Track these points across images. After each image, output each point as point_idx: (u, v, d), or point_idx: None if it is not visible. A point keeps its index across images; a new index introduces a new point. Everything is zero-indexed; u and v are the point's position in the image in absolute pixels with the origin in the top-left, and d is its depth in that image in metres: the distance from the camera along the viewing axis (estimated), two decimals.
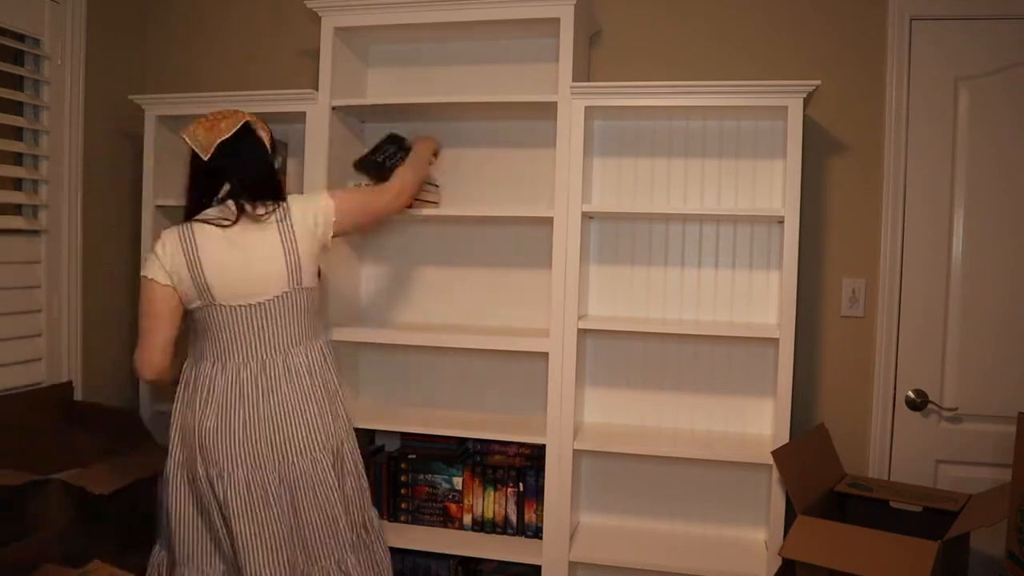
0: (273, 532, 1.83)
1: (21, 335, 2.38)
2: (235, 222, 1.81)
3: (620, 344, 2.49)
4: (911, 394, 2.37)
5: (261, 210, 1.84)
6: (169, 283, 1.82)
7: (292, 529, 1.86)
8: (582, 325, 2.27)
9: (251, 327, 1.84)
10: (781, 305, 2.18)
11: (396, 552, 2.46)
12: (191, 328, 1.91)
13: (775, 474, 2.13)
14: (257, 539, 1.82)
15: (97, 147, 2.66)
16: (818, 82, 2.11)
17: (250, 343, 1.84)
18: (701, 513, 2.45)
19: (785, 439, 2.15)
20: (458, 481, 2.46)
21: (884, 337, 2.37)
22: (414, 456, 2.49)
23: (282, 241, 1.84)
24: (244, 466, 1.81)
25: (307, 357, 1.91)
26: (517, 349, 2.30)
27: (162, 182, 2.60)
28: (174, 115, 2.55)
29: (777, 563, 1.99)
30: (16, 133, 2.43)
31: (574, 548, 2.29)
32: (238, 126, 1.86)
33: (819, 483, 2.11)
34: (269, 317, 1.85)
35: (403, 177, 2.13)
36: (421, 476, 2.48)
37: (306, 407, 1.88)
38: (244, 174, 1.86)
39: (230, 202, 1.85)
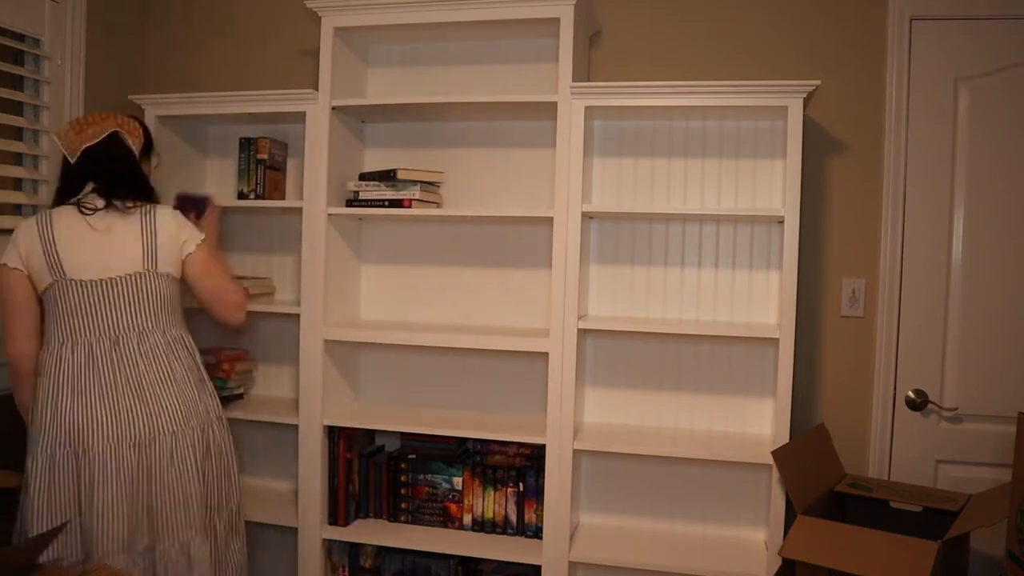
0: (120, 505, 1.86)
1: None
2: (99, 210, 1.91)
3: (620, 344, 2.49)
4: (911, 394, 2.37)
5: (123, 203, 1.92)
6: (22, 268, 1.90)
7: (142, 503, 1.89)
8: (582, 325, 2.27)
9: (103, 302, 1.90)
10: (781, 305, 2.18)
11: (396, 552, 2.46)
12: (44, 316, 1.96)
13: (775, 474, 2.13)
14: (105, 510, 1.85)
15: None
16: (818, 82, 2.11)
17: (103, 319, 1.90)
18: (701, 513, 2.45)
19: (785, 439, 2.15)
20: (458, 481, 2.46)
21: (884, 337, 2.37)
22: (414, 456, 2.49)
23: (142, 228, 1.93)
24: (102, 440, 1.86)
25: (165, 340, 1.96)
26: (517, 349, 2.30)
27: (162, 182, 2.59)
28: (174, 115, 2.56)
29: (777, 563, 1.99)
30: (16, 133, 2.43)
31: (574, 548, 2.29)
32: (104, 135, 1.95)
33: (819, 483, 2.11)
34: (123, 294, 1.92)
35: (234, 282, 2.15)
36: (421, 476, 2.48)
37: (167, 383, 1.93)
38: (106, 179, 1.95)
39: (95, 197, 1.93)
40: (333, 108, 2.40)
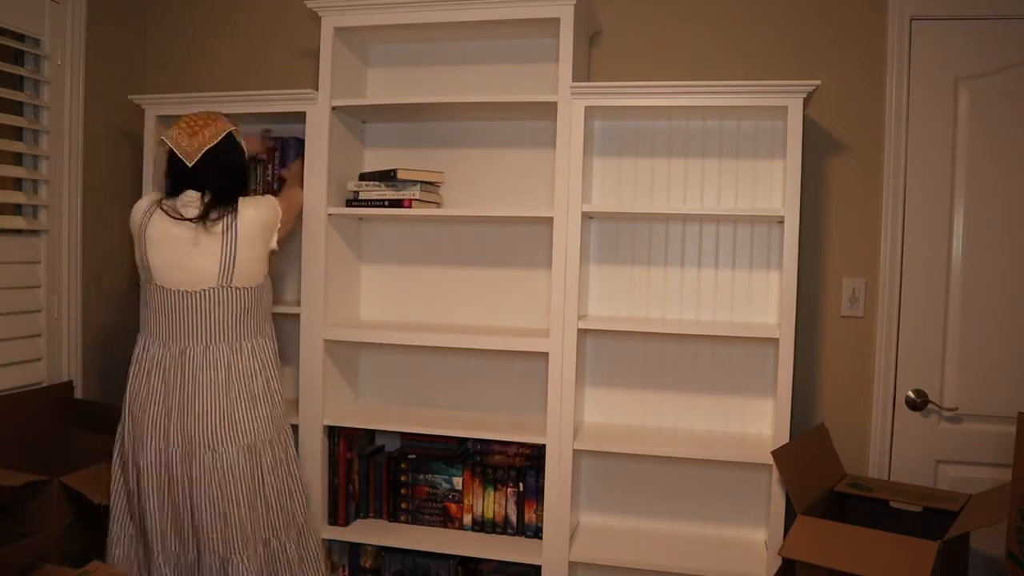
0: (172, 504, 1.96)
1: (21, 335, 2.38)
2: (191, 220, 1.97)
3: (620, 344, 2.49)
4: (911, 394, 2.37)
5: (212, 219, 1.98)
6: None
7: (186, 510, 1.96)
8: (582, 325, 2.27)
9: (177, 313, 1.98)
10: (781, 305, 2.18)
11: (396, 552, 2.46)
12: (141, 303, 2.08)
13: (775, 474, 2.13)
14: (159, 508, 1.95)
15: (97, 147, 2.66)
16: (818, 82, 2.11)
17: (174, 328, 1.99)
18: (701, 513, 2.45)
19: (785, 439, 2.15)
20: (458, 481, 2.46)
21: (884, 337, 2.37)
22: (414, 456, 2.49)
23: (222, 244, 1.99)
24: (155, 438, 1.95)
25: (230, 353, 2.00)
26: (517, 349, 2.30)
27: (162, 182, 2.59)
28: (174, 115, 2.54)
29: (777, 563, 1.99)
30: (16, 133, 2.43)
31: (574, 548, 2.29)
32: (222, 135, 2.00)
33: (819, 483, 2.11)
34: (195, 307, 1.98)
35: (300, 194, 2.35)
36: (421, 476, 2.48)
37: (215, 398, 1.97)
38: (222, 181, 2.00)
39: (196, 204, 1.98)
40: (333, 108, 2.40)
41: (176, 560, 1.97)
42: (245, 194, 2.09)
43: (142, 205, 2.04)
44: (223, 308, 2.00)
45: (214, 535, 1.95)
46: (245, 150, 2.11)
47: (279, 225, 2.11)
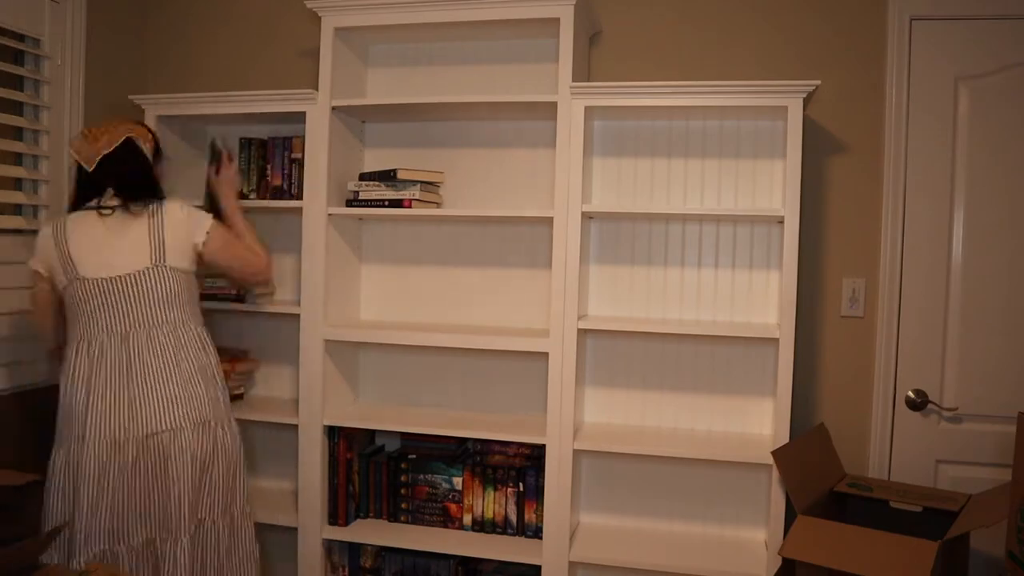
0: (110, 501, 1.90)
1: (21, 335, 2.38)
2: (112, 210, 1.98)
3: (620, 344, 2.49)
4: (911, 394, 2.37)
5: (136, 205, 2.00)
6: (43, 271, 2.03)
7: (135, 501, 1.92)
8: (582, 325, 2.27)
9: (113, 300, 1.97)
10: (781, 305, 2.18)
11: (396, 552, 2.46)
12: (67, 315, 2.04)
13: (775, 474, 2.13)
14: (97, 503, 1.89)
15: None
16: (818, 82, 2.11)
17: (113, 317, 1.96)
18: (701, 513, 2.45)
19: (785, 439, 2.15)
20: (458, 481, 2.46)
21: (884, 337, 2.37)
22: (414, 456, 2.49)
23: (150, 227, 1.99)
24: (102, 433, 1.91)
25: (175, 336, 2.00)
26: (517, 349, 2.30)
27: (161, 182, 2.59)
28: (174, 115, 2.56)
29: (777, 563, 1.99)
30: (16, 133, 2.43)
31: (574, 548, 2.29)
32: (119, 142, 2.02)
33: (819, 483, 2.11)
34: (130, 290, 1.97)
35: (259, 242, 2.22)
36: (421, 476, 2.48)
37: (171, 379, 1.97)
38: (122, 183, 2.02)
39: (112, 198, 2.00)
40: (333, 108, 2.40)
41: (106, 550, 1.90)
42: (160, 191, 2.09)
43: (47, 224, 2.05)
44: (159, 289, 1.98)
45: (169, 516, 1.94)
46: (147, 151, 2.07)
47: (207, 229, 2.06)
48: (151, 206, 2.01)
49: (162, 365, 1.96)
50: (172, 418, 1.95)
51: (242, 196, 2.59)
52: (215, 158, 2.28)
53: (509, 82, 2.54)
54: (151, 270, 1.98)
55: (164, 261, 1.99)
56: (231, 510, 2.07)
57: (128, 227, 1.98)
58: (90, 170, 2.01)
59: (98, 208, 1.99)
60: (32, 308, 2.16)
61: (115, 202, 1.99)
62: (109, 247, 1.97)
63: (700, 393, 2.44)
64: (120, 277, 1.96)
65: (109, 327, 1.96)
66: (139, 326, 1.97)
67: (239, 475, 2.09)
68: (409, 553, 2.46)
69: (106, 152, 2.00)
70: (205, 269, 2.16)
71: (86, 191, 2.03)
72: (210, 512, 2.03)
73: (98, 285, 1.96)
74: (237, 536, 2.09)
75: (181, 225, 2.03)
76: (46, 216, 2.47)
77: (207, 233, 2.06)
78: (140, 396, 1.93)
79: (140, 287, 1.97)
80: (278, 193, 2.58)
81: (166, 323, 1.99)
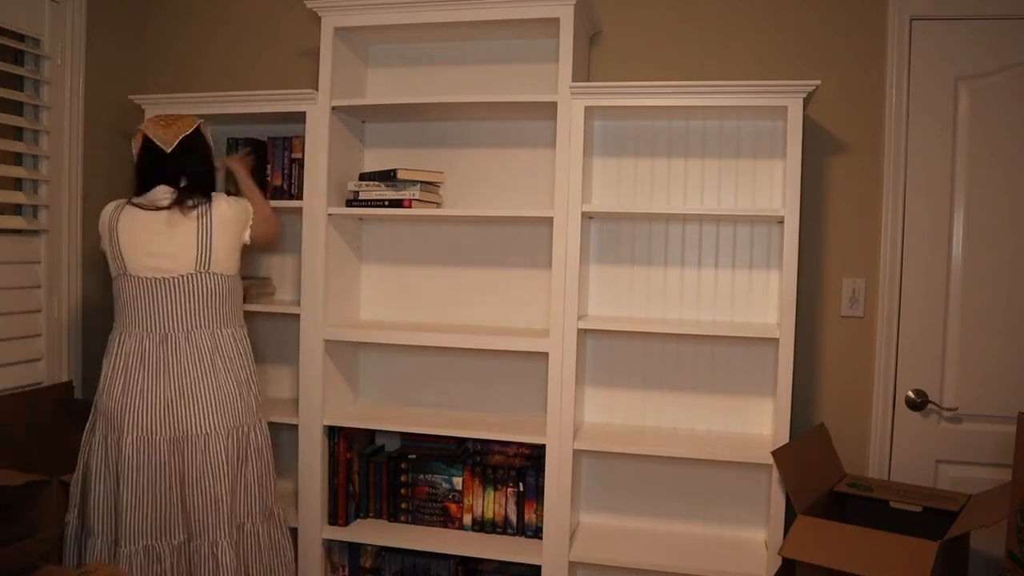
0: (151, 498, 1.93)
1: (21, 335, 2.38)
2: (167, 208, 2.01)
3: (620, 344, 2.49)
4: (911, 394, 2.37)
5: (188, 205, 2.02)
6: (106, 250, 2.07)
7: (175, 497, 1.95)
8: (582, 325, 2.27)
9: (156, 301, 2.00)
10: (781, 305, 2.18)
11: (396, 552, 2.46)
12: (114, 301, 2.07)
13: (775, 474, 2.13)
14: (135, 501, 1.92)
15: (97, 147, 2.66)
16: (818, 82, 2.11)
17: (154, 316, 2.00)
18: (701, 513, 2.45)
19: (785, 439, 2.15)
20: (458, 481, 2.46)
21: (884, 337, 2.37)
22: (414, 456, 2.49)
23: (198, 229, 2.02)
24: (137, 430, 1.94)
25: (213, 340, 2.03)
26: (517, 349, 2.30)
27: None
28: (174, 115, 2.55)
29: (777, 563, 1.99)
30: (16, 133, 2.43)
31: (574, 548, 2.29)
32: (194, 127, 2.09)
33: (819, 483, 2.11)
34: (174, 293, 2.00)
35: (270, 207, 2.30)
36: (421, 476, 2.48)
37: (205, 384, 1.99)
38: (196, 169, 2.07)
39: (169, 196, 2.02)
40: (333, 108, 2.40)
41: (149, 546, 1.94)
42: (215, 190, 2.15)
43: (110, 206, 2.07)
44: (202, 294, 2.02)
45: (206, 519, 1.97)
46: (211, 145, 2.16)
47: (250, 222, 2.14)
48: (200, 207, 2.03)
49: (199, 370, 1.99)
50: (206, 423, 1.98)
51: (230, 195, 2.60)
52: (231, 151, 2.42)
53: (509, 82, 2.54)
54: (195, 276, 2.01)
55: (209, 268, 2.02)
56: (267, 513, 2.10)
57: (178, 227, 2.00)
58: (168, 151, 2.03)
59: (154, 207, 2.01)
60: None
61: (168, 200, 2.01)
62: (158, 247, 1.99)
63: (700, 393, 2.44)
64: (165, 280, 1.99)
65: (150, 326, 1.99)
66: (179, 329, 2.00)
67: (269, 476, 2.12)
68: (409, 553, 2.46)
69: (186, 134, 2.05)
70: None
71: (156, 176, 2.05)
72: (250, 516, 2.06)
73: (143, 284, 1.99)
74: (276, 539, 2.13)
75: (230, 225, 2.06)
76: (46, 218, 2.47)
77: (250, 225, 2.13)
78: (176, 399, 1.96)
79: (184, 291, 2.00)
80: (278, 193, 2.58)
81: (206, 327, 2.02)
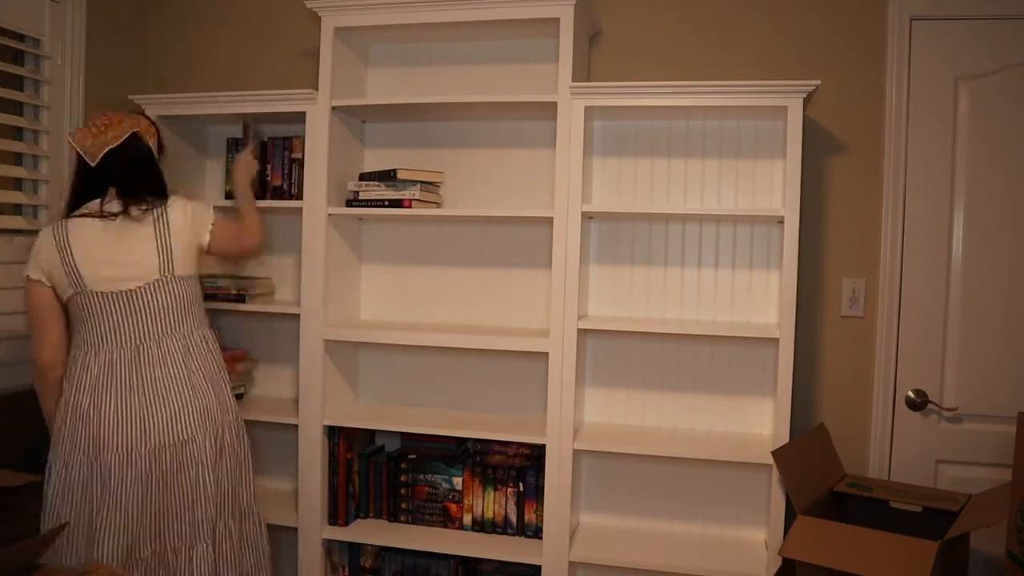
0: (128, 513, 1.87)
1: (21, 335, 2.38)
2: (115, 216, 1.92)
3: (620, 344, 2.49)
4: (911, 394, 2.37)
5: (138, 209, 1.93)
6: (44, 280, 1.93)
7: (152, 509, 1.90)
8: (582, 325, 2.27)
9: (124, 314, 1.92)
10: (781, 305, 2.18)
11: (396, 552, 2.46)
12: (71, 321, 1.98)
13: (775, 474, 2.13)
14: (111, 520, 1.86)
15: None
16: (818, 82, 2.11)
17: (123, 329, 1.92)
18: (701, 513, 2.45)
19: (785, 439, 2.15)
20: (458, 481, 2.46)
21: (884, 337, 2.37)
22: (414, 456, 2.49)
23: (156, 234, 1.94)
24: (114, 444, 1.87)
25: (184, 344, 1.98)
26: (517, 349, 2.30)
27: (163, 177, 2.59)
28: (174, 115, 2.55)
29: (777, 563, 1.99)
30: (16, 133, 2.43)
31: (574, 548, 2.29)
32: (125, 136, 1.96)
33: (819, 483, 2.11)
34: (142, 304, 1.93)
35: (257, 221, 2.22)
36: (421, 476, 2.48)
37: (183, 389, 1.95)
38: (127, 180, 1.96)
39: (115, 201, 1.94)
40: (333, 108, 2.40)
41: (124, 562, 1.89)
42: (164, 189, 2.04)
43: (46, 231, 1.94)
44: (170, 300, 1.95)
45: (184, 525, 1.93)
46: (153, 148, 2.04)
47: (210, 227, 2.04)
48: (155, 211, 1.95)
49: (173, 376, 1.94)
50: (184, 429, 1.94)
51: (229, 196, 2.60)
52: (243, 141, 2.39)
53: (509, 82, 2.54)
54: (161, 282, 1.94)
55: (173, 271, 1.95)
56: (242, 510, 2.07)
57: (133, 234, 1.92)
58: (93, 165, 1.94)
59: (101, 215, 1.91)
60: (36, 346, 1.97)
61: (118, 207, 1.92)
62: (117, 257, 1.91)
63: (700, 393, 2.44)
64: (131, 291, 1.91)
65: (119, 339, 1.92)
66: (150, 338, 1.93)
67: (244, 474, 2.09)
68: (409, 553, 2.46)
69: (112, 147, 1.94)
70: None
71: (87, 189, 1.96)
72: (221, 515, 2.02)
73: (107, 299, 1.91)
74: (251, 537, 2.09)
75: (186, 230, 1.99)
76: (46, 218, 2.47)
77: (209, 232, 2.04)
78: (152, 408, 1.91)
79: (151, 300, 1.93)
80: (278, 193, 2.58)
81: (176, 332, 1.97)
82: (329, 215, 2.42)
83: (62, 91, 2.50)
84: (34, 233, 2.43)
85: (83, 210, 1.94)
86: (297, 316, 2.55)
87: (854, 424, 2.41)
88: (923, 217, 2.35)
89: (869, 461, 2.39)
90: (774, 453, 2.04)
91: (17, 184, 2.43)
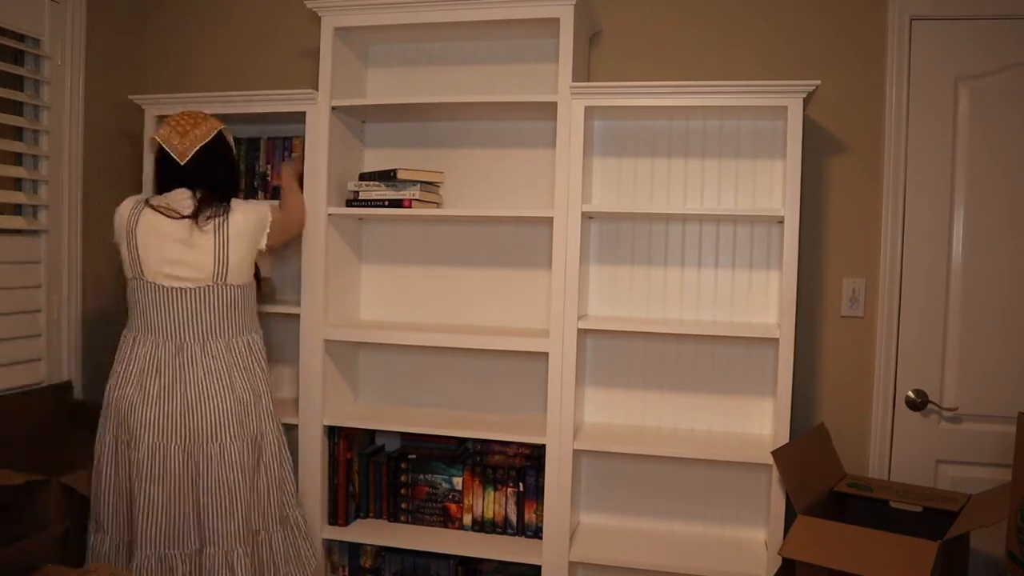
0: (165, 508, 1.92)
1: (21, 335, 2.38)
2: (184, 218, 1.99)
3: (620, 344, 2.49)
4: (911, 394, 2.37)
5: (204, 217, 2.00)
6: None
7: (189, 506, 1.95)
8: (582, 325, 2.27)
9: (172, 308, 1.99)
10: (781, 305, 2.18)
11: (396, 552, 2.46)
12: (127, 301, 2.05)
13: (775, 474, 2.13)
14: (149, 509, 1.92)
15: (97, 147, 2.66)
16: (818, 82, 2.11)
17: (170, 323, 1.99)
18: (701, 513, 2.45)
19: (785, 439, 2.15)
20: (458, 481, 2.46)
21: (884, 337, 2.37)
22: (414, 456, 2.49)
23: (215, 242, 2.00)
24: (151, 437, 1.93)
25: (228, 351, 2.03)
26: (517, 349, 2.30)
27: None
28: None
29: (777, 563, 1.99)
30: (16, 133, 2.43)
31: (574, 548, 2.29)
32: (213, 134, 2.03)
33: (819, 483, 2.11)
34: (190, 304, 1.99)
35: (296, 202, 2.32)
36: (421, 476, 2.48)
37: (221, 393, 1.99)
38: (214, 179, 2.03)
39: (188, 200, 2.00)
40: (333, 108, 2.40)
41: (163, 555, 1.94)
42: (236, 195, 2.12)
43: (127, 205, 2.04)
44: (218, 306, 2.01)
45: (219, 527, 1.96)
46: (232, 146, 2.15)
47: (268, 230, 2.11)
48: (217, 219, 2.00)
49: (215, 379, 1.99)
50: (222, 432, 1.98)
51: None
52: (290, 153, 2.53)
53: (509, 82, 2.54)
54: (212, 288, 2.01)
55: (226, 280, 2.02)
56: (285, 517, 2.10)
57: (195, 239, 1.98)
58: (182, 163, 2.00)
59: (171, 213, 1.99)
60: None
61: (187, 208, 1.98)
62: (177, 256, 1.98)
63: (700, 393, 2.44)
64: (181, 290, 1.98)
65: (166, 334, 1.98)
66: (195, 339, 1.99)
67: (288, 482, 2.13)
68: (409, 553, 2.46)
69: (202, 145, 2.01)
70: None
71: (173, 184, 2.03)
72: (265, 523, 2.05)
73: (160, 292, 1.98)
74: (292, 543, 2.13)
75: (245, 237, 2.04)
76: (46, 218, 2.47)
77: (267, 234, 2.10)
78: (191, 408, 1.96)
79: (200, 302, 2.00)
80: (277, 193, 2.58)
81: (221, 337, 2.02)
82: (329, 215, 2.42)
83: (62, 91, 2.50)
84: (34, 233, 2.44)
85: (160, 201, 2.01)
86: (297, 316, 2.55)
87: (854, 424, 2.41)
88: (923, 217, 2.35)
89: (869, 461, 2.39)
90: (774, 453, 2.04)
91: (17, 184, 2.43)
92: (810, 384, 2.44)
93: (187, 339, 1.99)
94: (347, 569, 2.52)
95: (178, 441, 1.94)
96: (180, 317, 1.98)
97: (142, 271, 1.99)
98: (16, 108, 2.41)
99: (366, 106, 2.41)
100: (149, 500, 1.92)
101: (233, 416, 1.99)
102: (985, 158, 2.31)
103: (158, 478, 1.93)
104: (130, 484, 1.96)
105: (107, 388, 2.03)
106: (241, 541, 1.98)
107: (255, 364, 2.08)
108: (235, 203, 2.05)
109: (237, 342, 2.05)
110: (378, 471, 2.51)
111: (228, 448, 1.98)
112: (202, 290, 1.99)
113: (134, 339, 2.02)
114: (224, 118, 2.57)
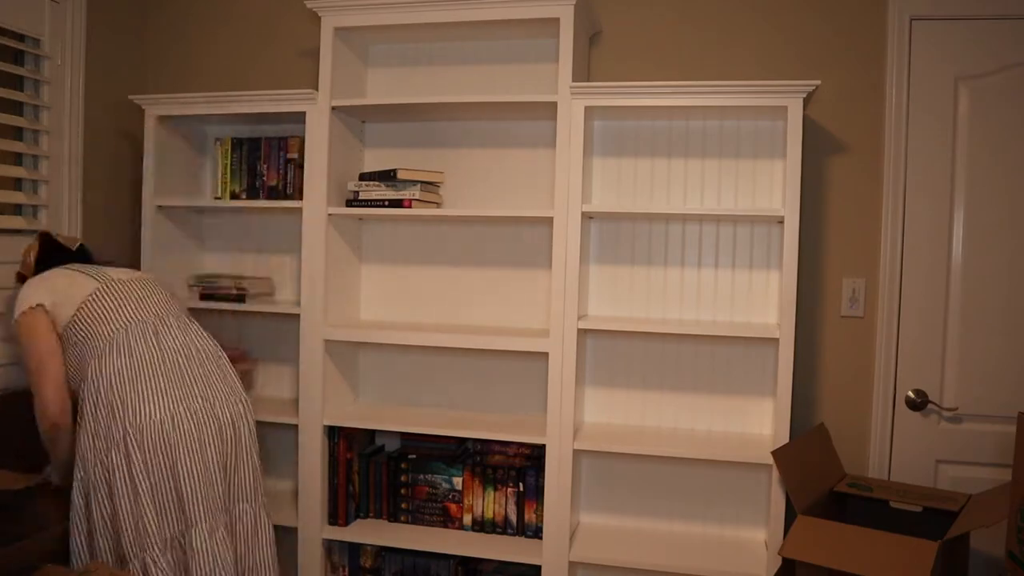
0: (174, 485, 1.85)
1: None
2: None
3: (620, 344, 2.49)
4: (911, 394, 2.37)
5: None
6: (47, 303, 1.94)
7: (213, 477, 1.91)
8: (582, 325, 2.27)
9: (136, 292, 2.02)
10: (781, 305, 2.18)
11: (396, 552, 2.46)
12: (75, 349, 1.95)
13: (775, 474, 2.13)
14: (196, 475, 1.86)
15: (97, 147, 2.66)
16: (818, 82, 2.11)
17: (148, 304, 2.02)
18: (701, 513, 2.45)
19: (785, 439, 2.15)
20: (458, 481, 2.46)
21: (884, 337, 2.37)
22: (414, 456, 2.49)
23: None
24: (188, 427, 1.87)
25: (197, 327, 2.07)
26: (517, 349, 2.30)
27: (162, 182, 2.60)
28: (174, 115, 2.56)
29: (777, 563, 1.99)
30: (16, 133, 2.43)
31: (574, 548, 2.29)
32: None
33: (819, 483, 2.11)
34: (149, 287, 2.07)
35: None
36: (421, 476, 2.48)
37: (220, 364, 2.03)
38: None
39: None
40: (333, 108, 2.40)
41: (175, 540, 1.86)
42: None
43: (48, 274, 2.03)
44: (164, 289, 2.11)
45: (248, 487, 2.00)
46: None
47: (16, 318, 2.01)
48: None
49: (210, 354, 2.02)
50: (236, 393, 2.02)
51: (234, 195, 2.64)
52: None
53: (509, 82, 2.54)
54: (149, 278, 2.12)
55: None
56: (258, 499, 2.06)
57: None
58: (73, 249, 2.18)
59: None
60: (44, 364, 1.97)
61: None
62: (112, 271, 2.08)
63: (700, 393, 2.44)
64: (144, 279, 2.08)
65: (145, 312, 1.99)
66: (169, 313, 2.03)
67: (258, 467, 2.08)
68: (409, 553, 2.46)
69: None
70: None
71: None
72: (238, 503, 2.00)
73: (127, 284, 2.01)
74: (264, 527, 2.08)
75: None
76: (46, 218, 2.47)
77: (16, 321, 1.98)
78: (216, 385, 1.98)
79: (154, 286, 2.08)
80: (273, 193, 2.58)
81: (184, 315, 2.09)
82: (329, 215, 2.42)
83: (62, 91, 2.50)
84: (34, 233, 2.44)
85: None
86: (297, 316, 2.55)
87: (854, 424, 2.41)
88: (923, 217, 2.35)
89: (869, 461, 2.39)
90: (774, 453, 2.04)
91: (17, 184, 2.43)
92: (810, 384, 2.44)
93: (163, 313, 2.07)
94: (347, 569, 2.52)
95: (211, 422, 1.96)
96: (148, 298, 2.07)
97: (108, 274, 2.06)
98: (16, 108, 2.41)
99: (366, 106, 2.41)
100: (158, 484, 1.83)
101: (232, 378, 2.07)
102: (985, 158, 2.31)
103: (198, 455, 1.90)
104: (132, 480, 1.85)
105: (97, 397, 1.94)
106: (225, 511, 1.95)
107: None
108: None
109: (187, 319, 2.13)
110: (378, 471, 2.51)
111: (248, 406, 2.06)
112: (150, 278, 2.15)
113: (121, 336, 2.01)
114: (224, 118, 2.60)
